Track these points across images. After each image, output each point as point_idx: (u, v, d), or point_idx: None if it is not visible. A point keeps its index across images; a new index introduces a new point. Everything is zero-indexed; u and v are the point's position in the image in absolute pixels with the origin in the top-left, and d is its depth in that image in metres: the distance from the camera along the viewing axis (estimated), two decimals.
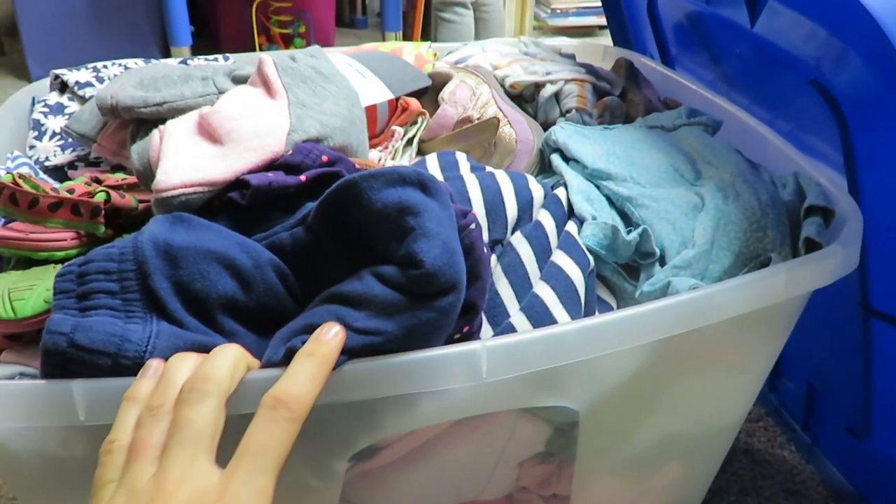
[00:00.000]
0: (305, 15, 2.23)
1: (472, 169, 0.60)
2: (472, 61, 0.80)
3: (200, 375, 0.35)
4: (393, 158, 0.67)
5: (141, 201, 0.53)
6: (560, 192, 0.58)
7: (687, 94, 0.76)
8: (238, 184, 0.48)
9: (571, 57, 0.85)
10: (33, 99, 0.73)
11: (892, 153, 0.57)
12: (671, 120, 0.68)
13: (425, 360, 0.40)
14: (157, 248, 0.40)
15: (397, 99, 0.70)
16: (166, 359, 0.38)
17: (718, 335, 0.51)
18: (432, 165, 0.60)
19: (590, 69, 0.80)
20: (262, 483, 0.33)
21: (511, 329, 0.48)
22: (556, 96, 0.74)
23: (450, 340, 0.42)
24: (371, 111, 0.67)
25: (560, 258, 0.51)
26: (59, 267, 0.45)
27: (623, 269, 0.55)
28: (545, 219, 0.55)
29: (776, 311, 0.54)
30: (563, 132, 0.64)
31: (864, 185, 0.60)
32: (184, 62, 0.78)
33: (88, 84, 0.71)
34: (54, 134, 0.68)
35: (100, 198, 0.50)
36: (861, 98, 0.58)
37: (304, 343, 0.38)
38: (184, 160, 0.49)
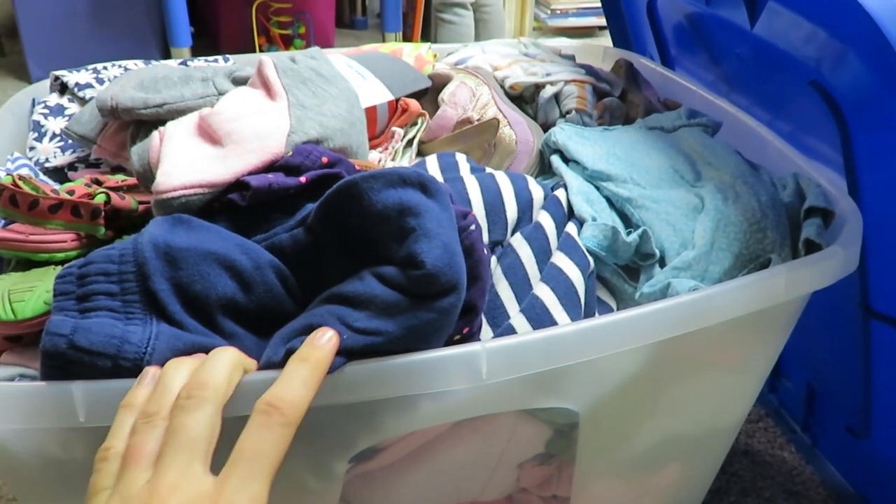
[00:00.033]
0: (305, 16, 2.24)
1: (472, 170, 0.60)
2: (471, 62, 0.80)
3: (197, 382, 0.35)
4: (393, 159, 0.67)
5: (141, 203, 0.53)
6: (560, 193, 0.58)
7: (687, 95, 0.76)
8: (238, 185, 0.48)
9: (571, 58, 0.85)
10: (33, 100, 0.73)
11: (891, 154, 0.57)
12: (671, 121, 0.68)
13: (425, 361, 0.40)
14: (157, 249, 0.40)
15: (397, 100, 0.70)
16: (166, 360, 0.38)
17: (718, 336, 0.51)
18: (432, 166, 0.60)
19: (590, 70, 0.80)
20: (257, 489, 0.33)
21: (511, 330, 0.48)
22: (556, 97, 0.74)
23: (450, 342, 0.42)
24: (371, 112, 0.67)
25: (560, 259, 0.51)
26: (59, 268, 0.45)
27: (623, 270, 0.55)
28: (545, 220, 0.55)
29: (776, 313, 0.54)
30: (563, 133, 0.64)
31: (863, 186, 0.60)
32: (184, 63, 0.78)
33: (88, 85, 0.71)
34: (54, 135, 0.68)
35: (100, 199, 0.50)
36: (861, 99, 0.58)
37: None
38: (184, 162, 0.49)
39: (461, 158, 0.61)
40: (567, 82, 0.75)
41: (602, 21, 2.53)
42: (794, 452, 0.83)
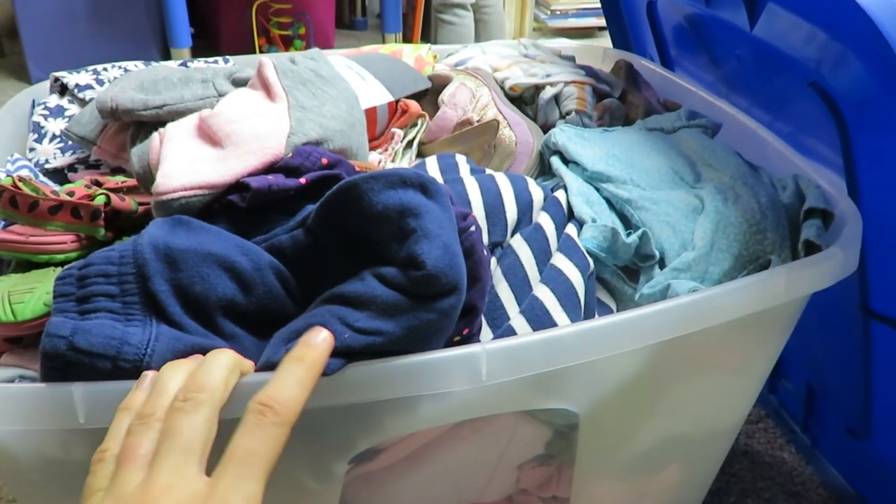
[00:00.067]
0: (305, 16, 2.24)
1: (472, 171, 0.60)
2: (471, 63, 0.80)
3: (193, 384, 0.35)
4: (393, 161, 0.67)
5: (141, 204, 0.53)
6: (560, 194, 0.58)
7: (686, 96, 0.76)
8: (238, 186, 0.48)
9: (571, 59, 0.85)
10: (33, 101, 0.73)
11: (891, 155, 0.57)
12: (671, 122, 0.68)
13: (425, 362, 0.40)
14: (157, 250, 0.40)
15: (397, 101, 0.70)
16: (166, 362, 0.38)
17: (718, 337, 0.51)
18: (432, 168, 0.60)
19: (589, 71, 0.80)
20: (250, 488, 0.32)
21: (511, 332, 0.48)
22: (556, 98, 0.74)
23: (450, 343, 0.42)
24: (371, 113, 0.67)
25: (560, 261, 0.51)
26: (58, 270, 0.45)
27: (623, 271, 0.55)
28: (545, 221, 0.55)
29: (776, 314, 0.54)
30: (563, 134, 0.64)
31: (863, 187, 0.60)
32: (184, 65, 0.78)
33: (88, 87, 0.71)
34: (54, 136, 0.68)
35: (100, 201, 0.50)
36: (860, 100, 0.58)
37: None
38: (184, 163, 0.49)
39: (461, 160, 0.61)
40: (567, 83, 0.75)
41: (602, 22, 2.53)
42: (793, 453, 0.83)
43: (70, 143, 0.67)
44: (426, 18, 2.34)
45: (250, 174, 0.48)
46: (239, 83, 0.62)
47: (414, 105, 0.70)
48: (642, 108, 0.74)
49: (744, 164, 0.60)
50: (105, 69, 0.74)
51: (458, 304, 0.40)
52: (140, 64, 0.76)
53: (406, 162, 0.68)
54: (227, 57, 0.83)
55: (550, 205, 0.57)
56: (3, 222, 0.54)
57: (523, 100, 0.77)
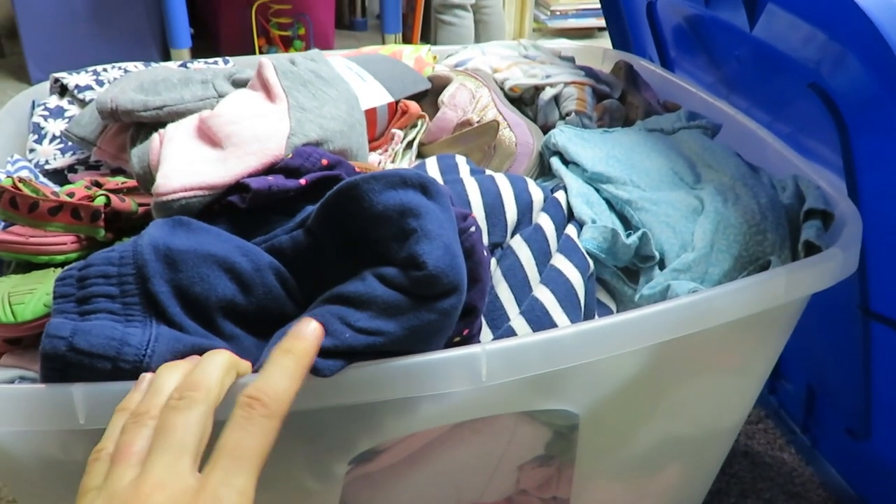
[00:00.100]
0: (305, 17, 2.24)
1: (472, 172, 0.60)
2: (471, 64, 0.81)
3: (188, 383, 0.35)
4: (393, 161, 0.67)
5: (141, 205, 0.53)
6: (560, 195, 0.58)
7: (686, 97, 0.76)
8: (238, 187, 0.48)
9: (571, 60, 0.85)
10: (33, 102, 0.73)
11: (891, 156, 0.57)
12: (671, 123, 0.68)
13: (425, 363, 0.40)
14: (157, 251, 0.40)
15: (397, 102, 0.70)
16: (166, 362, 0.38)
17: (718, 338, 0.51)
18: (432, 168, 0.60)
19: (589, 72, 0.80)
20: (241, 483, 0.32)
21: (511, 332, 0.48)
22: (556, 99, 0.74)
23: (450, 343, 0.42)
24: (371, 114, 0.67)
25: (560, 261, 0.51)
26: (59, 271, 0.45)
27: (623, 272, 0.55)
28: (545, 222, 0.55)
29: (776, 314, 0.54)
30: (563, 135, 0.64)
31: (863, 188, 0.60)
32: (184, 65, 0.78)
33: (88, 87, 0.71)
34: (54, 137, 0.68)
35: (100, 201, 0.50)
36: (860, 101, 0.58)
37: None
38: (184, 164, 0.49)
39: (461, 160, 0.61)
40: (567, 84, 0.75)
41: (602, 22, 2.53)
42: (793, 454, 0.83)
43: (70, 143, 0.67)
44: (426, 19, 2.34)
45: (250, 175, 0.49)
46: (239, 84, 0.62)
47: (414, 106, 0.70)
48: (642, 109, 0.74)
49: (744, 165, 0.60)
50: (105, 70, 0.74)
51: (458, 304, 0.40)
52: (140, 65, 0.76)
53: (406, 163, 0.68)
54: (227, 58, 0.83)
55: (550, 206, 0.57)
56: (3, 223, 0.54)
57: (523, 101, 0.77)
